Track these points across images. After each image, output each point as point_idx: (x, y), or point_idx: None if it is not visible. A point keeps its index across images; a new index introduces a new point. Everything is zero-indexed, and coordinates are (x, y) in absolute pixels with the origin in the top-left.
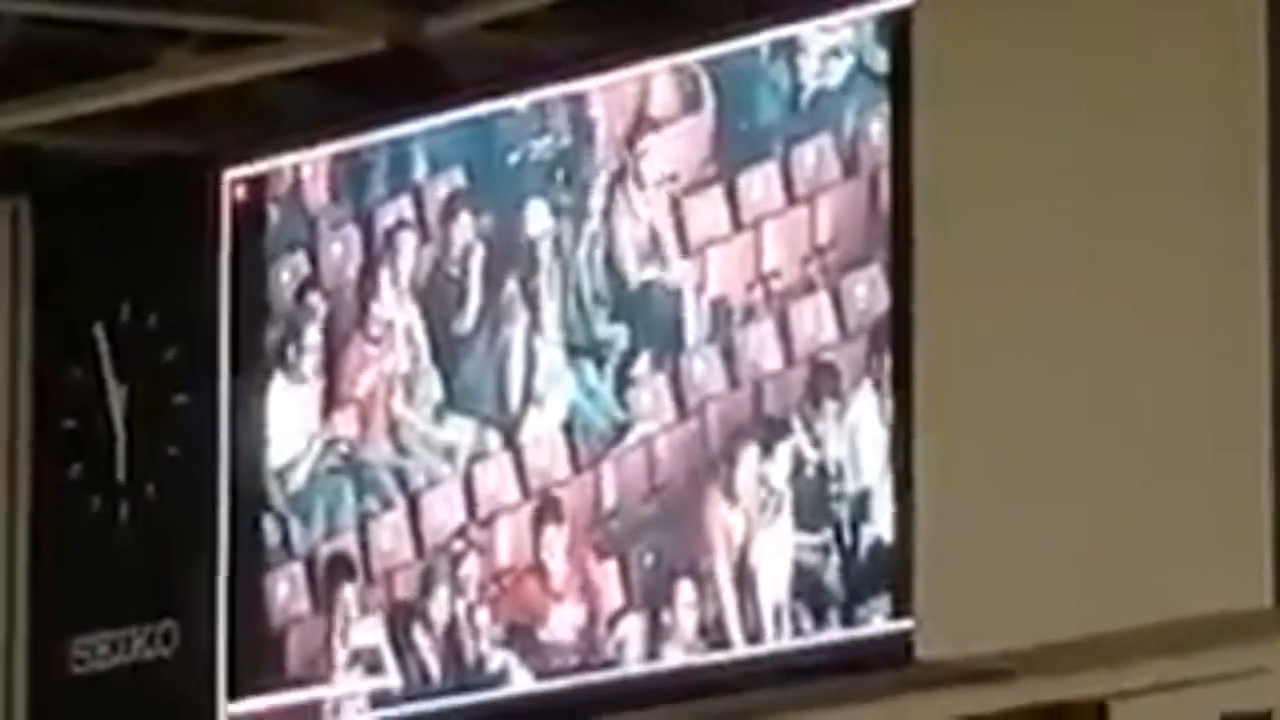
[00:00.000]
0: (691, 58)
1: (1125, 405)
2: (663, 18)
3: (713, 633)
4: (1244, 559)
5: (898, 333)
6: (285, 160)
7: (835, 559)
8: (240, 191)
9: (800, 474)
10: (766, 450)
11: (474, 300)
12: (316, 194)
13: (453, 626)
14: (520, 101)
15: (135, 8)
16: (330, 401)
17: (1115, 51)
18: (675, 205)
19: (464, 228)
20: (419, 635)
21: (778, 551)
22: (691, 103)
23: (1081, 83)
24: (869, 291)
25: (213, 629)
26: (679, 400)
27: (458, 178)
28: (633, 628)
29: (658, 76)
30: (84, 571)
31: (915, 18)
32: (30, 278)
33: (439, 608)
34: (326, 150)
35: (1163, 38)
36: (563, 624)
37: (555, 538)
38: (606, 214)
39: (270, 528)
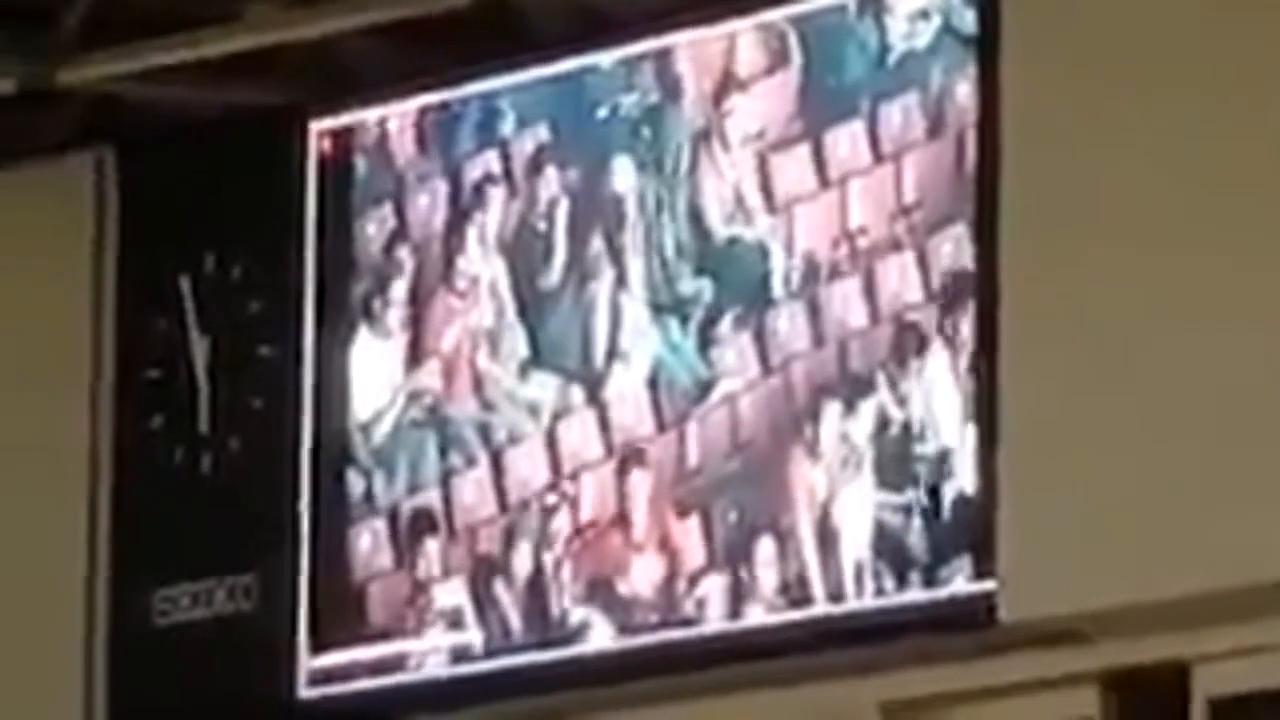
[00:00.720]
0: (779, 14)
1: (1213, 365)
2: None
3: (794, 591)
4: None
5: (983, 292)
6: (371, 113)
7: (917, 519)
8: (326, 144)
9: (883, 433)
10: (850, 408)
11: (559, 256)
12: (403, 147)
13: (534, 582)
14: (606, 58)
15: None
16: (415, 355)
17: (1207, 11)
18: (761, 162)
19: (550, 183)
20: (500, 591)
21: (860, 510)
22: (778, 60)
23: (1173, 42)
24: (954, 250)
25: (295, 582)
26: (763, 357)
27: (544, 133)
28: (714, 585)
29: (744, 33)
30: (166, 523)
31: None
32: (115, 228)
33: (521, 563)
34: (413, 104)
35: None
36: (644, 581)
37: (638, 494)
38: (692, 171)
39: (353, 481)
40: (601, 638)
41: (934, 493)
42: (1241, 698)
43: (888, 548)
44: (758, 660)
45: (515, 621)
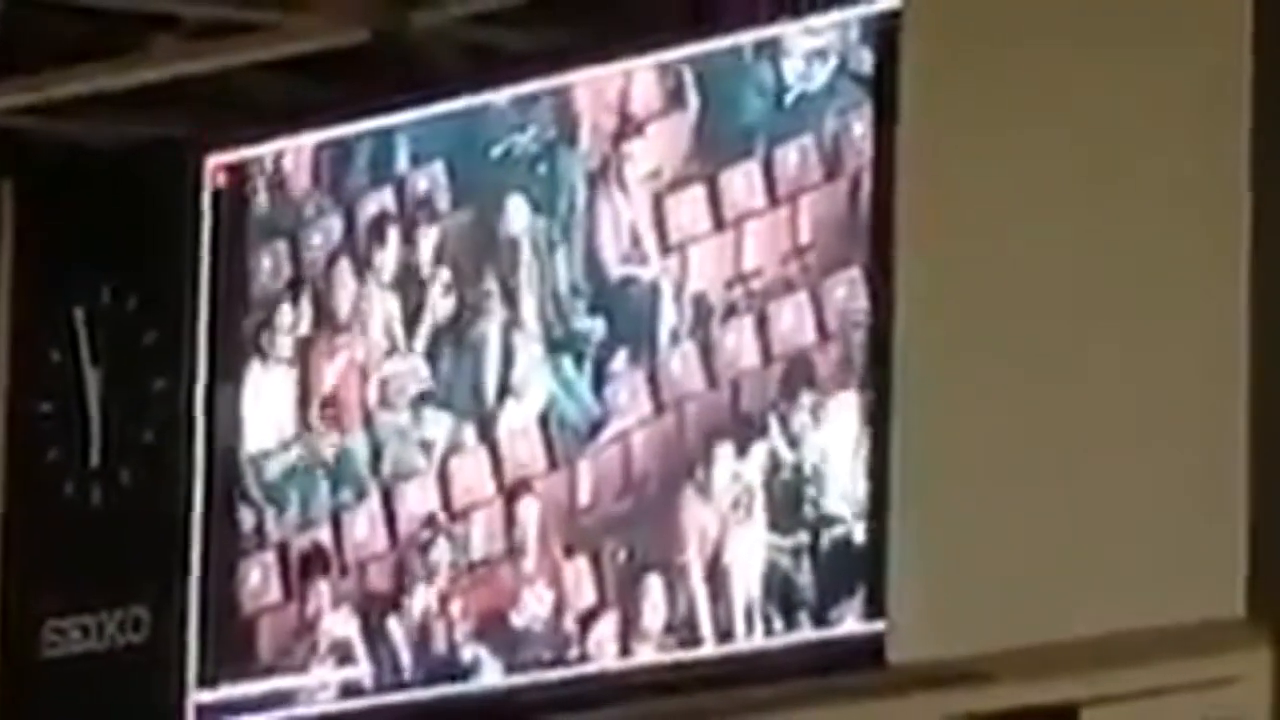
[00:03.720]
0: (676, 54)
1: (1104, 411)
2: (647, 15)
3: (683, 631)
4: (1219, 568)
5: (875, 335)
6: (267, 148)
7: (808, 559)
8: (222, 177)
9: (775, 473)
10: (742, 449)
11: (452, 293)
12: (298, 182)
13: (424, 619)
14: (502, 96)
15: None
16: (307, 390)
17: (1103, 61)
18: (657, 202)
19: (444, 220)
20: (390, 627)
21: (751, 551)
22: (675, 100)
23: (1068, 89)
24: (848, 293)
25: (184, 616)
26: (655, 397)
27: (438, 170)
28: (604, 624)
29: (641, 73)
30: (56, 555)
31: (902, 21)
32: (10, 258)
33: (411, 600)
34: (309, 139)
35: (1151, 51)
36: (534, 618)
37: (528, 532)
38: (587, 210)
39: (244, 515)
40: (491, 675)
41: (825, 533)
42: None
43: (778, 588)
44: (647, 699)
45: (405, 657)
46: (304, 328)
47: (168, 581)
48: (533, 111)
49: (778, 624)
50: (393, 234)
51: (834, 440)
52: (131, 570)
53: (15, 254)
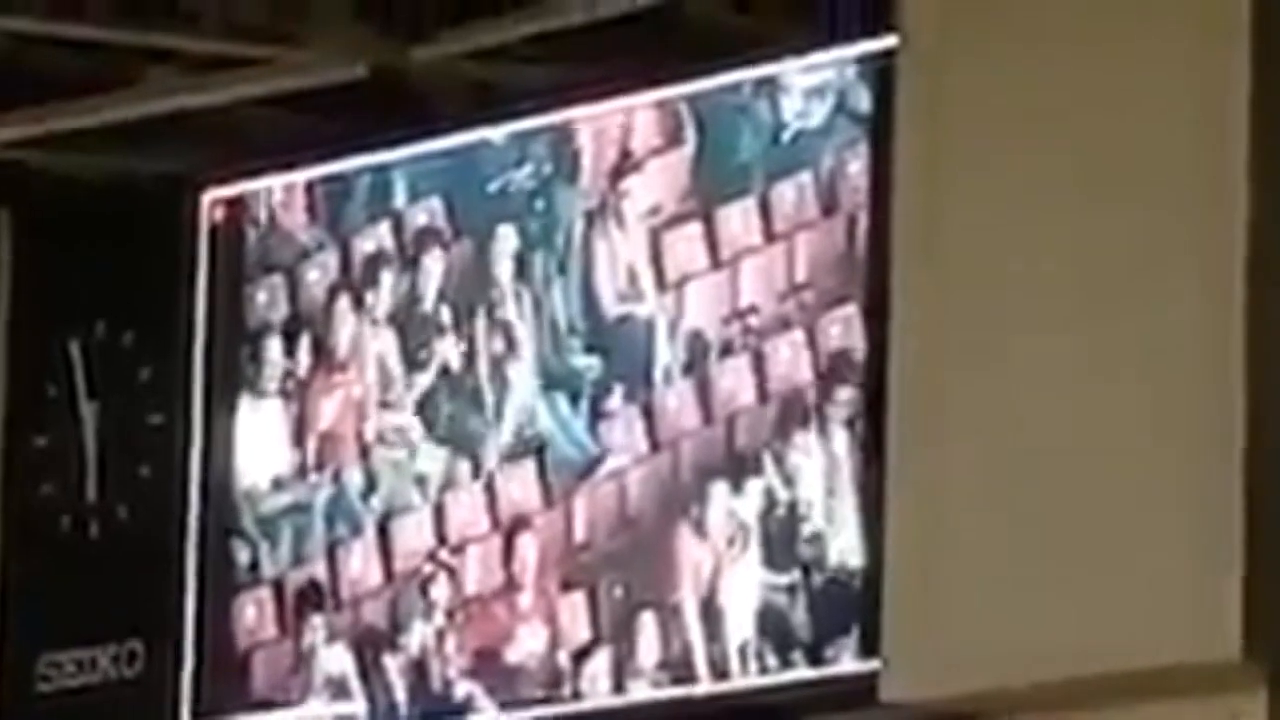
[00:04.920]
0: (674, 91)
1: (1100, 452)
2: (646, 53)
3: (678, 668)
4: (1215, 610)
5: (871, 373)
6: (265, 183)
7: (803, 597)
8: (219, 213)
9: (770, 511)
10: (737, 486)
11: (449, 330)
12: (295, 218)
13: (419, 655)
14: (500, 131)
15: (119, 28)
16: (302, 426)
17: (1099, 98)
18: (654, 239)
19: (441, 256)
20: (385, 662)
21: (746, 588)
22: (673, 137)
23: (1064, 126)
24: (844, 331)
25: (179, 651)
26: (651, 434)
27: (436, 206)
28: (599, 661)
29: (640, 110)
30: (52, 590)
31: (899, 59)
32: (7, 292)
33: (406, 636)
34: (307, 174)
35: (1148, 85)
36: (528, 655)
37: (523, 568)
38: (584, 247)
39: (239, 550)
40: (485, 711)
41: (820, 571)
42: None
43: (773, 626)
44: None
45: (400, 693)
46: (300, 363)
47: (163, 616)
48: (531, 148)
49: (772, 662)
50: (390, 270)
51: (829, 478)
52: (127, 605)
53: (12, 287)
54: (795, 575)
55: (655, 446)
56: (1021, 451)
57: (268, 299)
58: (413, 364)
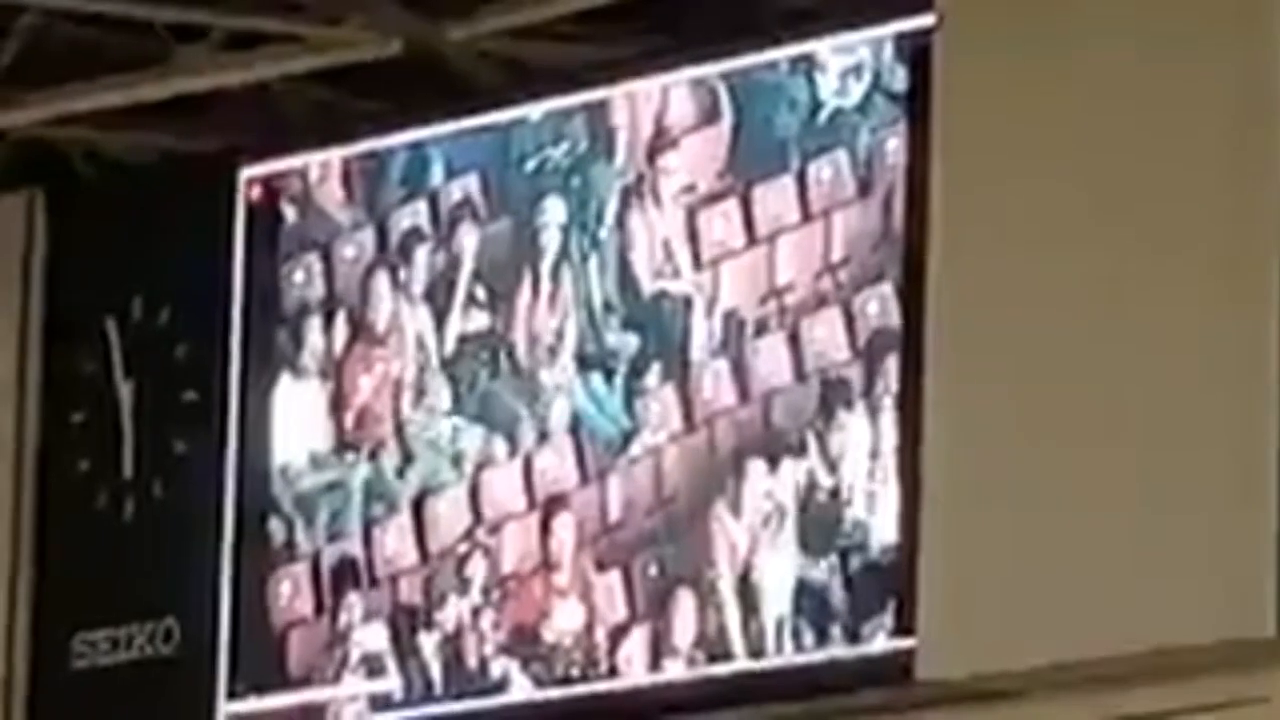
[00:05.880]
0: (711, 69)
1: (1134, 431)
2: (683, 30)
3: (714, 646)
4: (1249, 588)
5: (907, 352)
6: (301, 160)
7: (839, 575)
8: (256, 190)
9: (806, 489)
10: (773, 465)
11: (485, 307)
12: (332, 195)
13: (455, 633)
14: (537, 109)
15: (156, 4)
16: (339, 403)
17: (1140, 76)
18: (690, 217)
19: (477, 234)
20: (420, 640)
21: (781, 567)
22: (709, 115)
23: (1103, 104)
24: (880, 309)
25: (215, 628)
26: (687, 412)
27: (472, 184)
28: (634, 638)
29: (676, 88)
30: (88, 567)
31: (936, 38)
32: (43, 271)
33: (441, 613)
34: (343, 152)
35: (1187, 66)
36: (564, 633)
37: (560, 547)
38: (621, 224)
39: (275, 528)
40: (520, 689)
41: (856, 550)
42: None
43: (809, 604)
44: (676, 715)
45: (435, 671)
46: (336, 341)
47: (198, 593)
48: (567, 126)
49: (808, 640)
50: (426, 248)
51: (865, 457)
52: (162, 582)
53: (48, 266)
54: (831, 552)
55: (691, 425)
56: (1058, 430)
57: (304, 277)
58: (448, 341)
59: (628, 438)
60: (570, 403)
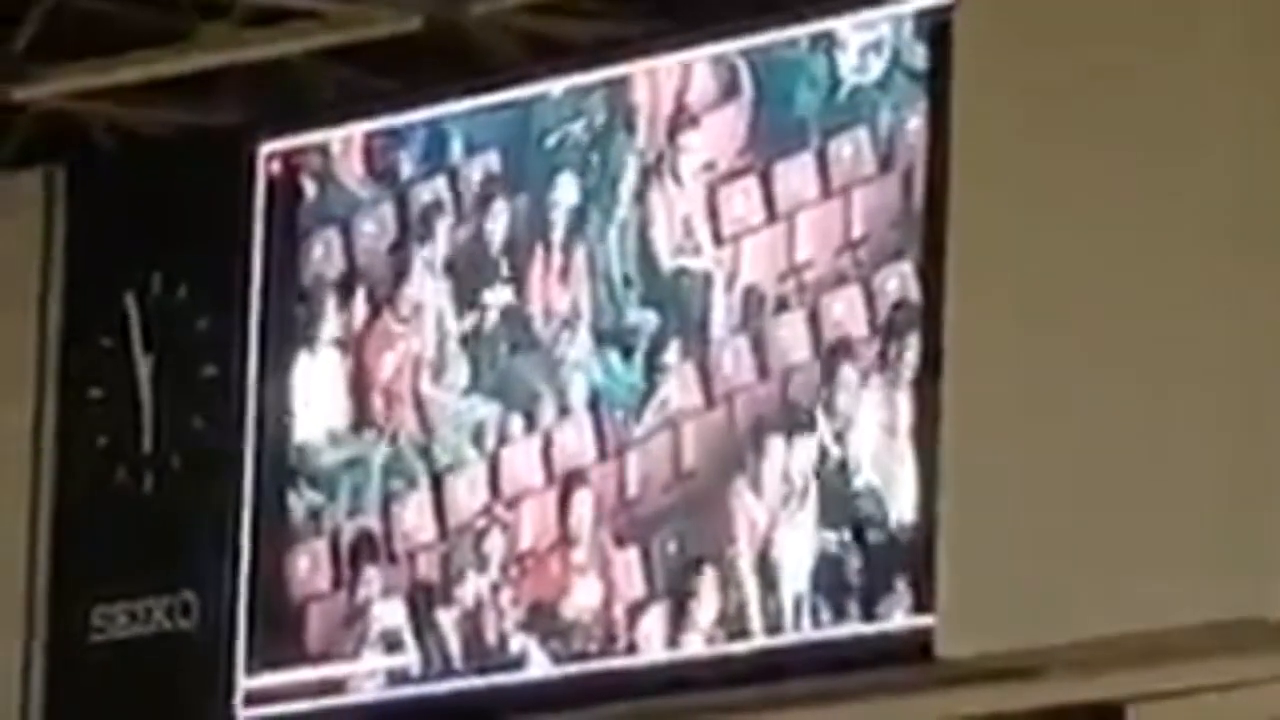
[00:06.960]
0: (731, 46)
1: (1153, 411)
2: (703, 7)
3: (733, 623)
4: (1266, 566)
5: (927, 329)
6: (321, 136)
7: (857, 552)
8: (275, 166)
9: (825, 466)
10: (792, 441)
11: (505, 283)
12: (352, 170)
13: (473, 609)
14: (557, 86)
15: None
16: (358, 379)
17: (1157, 54)
18: (710, 193)
19: (497, 210)
20: (439, 616)
21: (800, 544)
22: (729, 92)
23: (1122, 82)
24: (900, 286)
25: (233, 602)
26: (706, 388)
27: (493, 160)
28: (653, 615)
29: (696, 64)
30: (106, 540)
31: (956, 16)
32: (63, 245)
33: (460, 589)
34: (363, 127)
35: (1205, 45)
36: (583, 609)
37: (578, 523)
38: (640, 200)
39: (294, 503)
40: (538, 665)
41: (874, 527)
42: None
43: (827, 582)
44: (695, 691)
45: (453, 646)
46: (355, 317)
47: (217, 568)
48: (587, 102)
49: (826, 617)
50: (446, 224)
51: (884, 434)
52: (181, 556)
53: (68, 240)
54: (849, 529)
55: (711, 401)
56: (1076, 408)
57: (323, 252)
58: (468, 318)
59: (647, 414)
60: (589, 379)
